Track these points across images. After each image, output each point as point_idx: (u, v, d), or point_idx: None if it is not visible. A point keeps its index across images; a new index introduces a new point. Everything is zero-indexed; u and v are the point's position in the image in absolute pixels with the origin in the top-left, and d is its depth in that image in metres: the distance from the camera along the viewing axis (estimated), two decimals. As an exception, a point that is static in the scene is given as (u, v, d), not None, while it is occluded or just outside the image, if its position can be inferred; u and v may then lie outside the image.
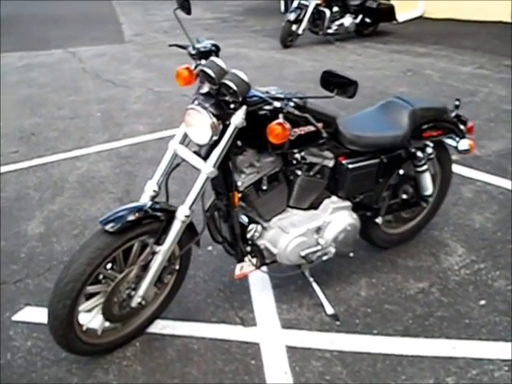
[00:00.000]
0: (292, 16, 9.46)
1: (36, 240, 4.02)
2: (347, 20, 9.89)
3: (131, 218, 2.64)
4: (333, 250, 3.17)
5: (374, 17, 10.07)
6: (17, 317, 3.25)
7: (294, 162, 3.01)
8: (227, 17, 13.61)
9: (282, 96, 2.69)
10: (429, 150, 3.40)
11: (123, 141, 5.83)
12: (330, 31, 9.77)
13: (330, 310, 3.19)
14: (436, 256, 3.67)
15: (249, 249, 3.07)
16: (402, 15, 10.23)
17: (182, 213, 2.73)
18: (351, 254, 3.27)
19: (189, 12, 2.89)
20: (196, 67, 2.88)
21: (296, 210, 3.12)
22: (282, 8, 12.80)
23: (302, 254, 3.09)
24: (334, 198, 3.22)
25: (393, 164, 3.33)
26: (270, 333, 3.07)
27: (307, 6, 9.50)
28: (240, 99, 2.60)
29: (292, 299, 3.33)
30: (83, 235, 4.05)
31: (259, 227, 3.03)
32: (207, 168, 2.70)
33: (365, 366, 2.82)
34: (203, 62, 2.82)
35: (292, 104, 2.67)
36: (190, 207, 2.74)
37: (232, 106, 2.67)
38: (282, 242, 3.02)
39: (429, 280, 3.44)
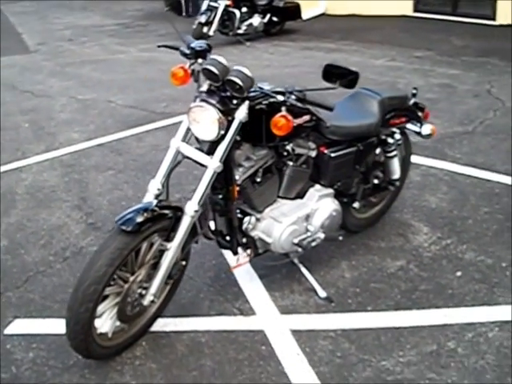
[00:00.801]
0: (203, 18, 9.58)
1: (3, 253, 3.92)
2: (256, 20, 10.14)
3: (145, 216, 2.68)
4: (322, 235, 3.35)
5: (281, 15, 10.40)
6: (9, 330, 3.20)
7: (285, 153, 3.16)
8: (129, 22, 13.51)
9: (282, 90, 2.83)
10: (397, 136, 3.66)
11: (62, 150, 5.75)
12: (239, 32, 9.97)
13: (322, 293, 3.36)
14: (404, 236, 3.94)
15: (244, 240, 3.18)
16: (305, 13, 10.62)
17: (192, 208, 2.81)
18: (340, 238, 3.47)
19: (180, 13, 2.98)
20: (190, 66, 2.95)
21: (285, 200, 3.28)
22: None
23: (295, 241, 3.24)
24: (317, 186, 3.40)
25: (367, 151, 3.56)
26: (271, 319, 3.20)
27: (217, 8, 9.66)
28: (245, 94, 2.72)
29: (282, 287, 3.47)
30: (51, 244, 4.00)
31: (253, 219, 3.16)
32: (214, 163, 2.80)
33: (370, 341, 3.01)
34: (200, 60, 2.90)
35: (293, 97, 2.81)
36: (199, 202, 2.82)
37: (235, 101, 2.78)
38: (276, 232, 3.16)
39: (404, 258, 3.69)
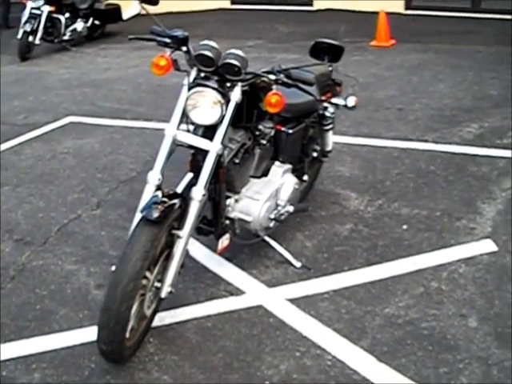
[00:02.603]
0: (27, 27, 9.15)
1: None
2: (79, 25, 9.92)
3: (165, 205, 2.72)
4: (291, 208, 3.59)
5: (103, 18, 10.29)
6: (-2, 356, 3.00)
7: (257, 133, 3.35)
8: None
9: (269, 70, 3.02)
10: (331, 110, 4.01)
11: None
12: (65, 38, 9.70)
13: (297, 263, 3.60)
14: (339, 203, 4.31)
15: (227, 222, 3.32)
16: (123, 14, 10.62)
17: (199, 193, 2.89)
18: (310, 208, 3.72)
19: (156, 3, 3.02)
20: (171, 55, 3.01)
21: (254, 179, 3.47)
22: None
23: (272, 216, 3.45)
24: (277, 163, 3.63)
25: (311, 126, 3.87)
26: (262, 294, 3.37)
27: (40, 15, 9.30)
28: (242, 76, 2.88)
29: (254, 264, 3.65)
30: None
31: (233, 200, 3.31)
32: (216, 146, 2.91)
33: (363, 295, 3.33)
34: (184, 48, 2.97)
35: (282, 75, 3.01)
36: (205, 187, 2.90)
37: (228, 84, 2.92)
38: (255, 210, 3.34)
39: (350, 222, 4.06)
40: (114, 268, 2.84)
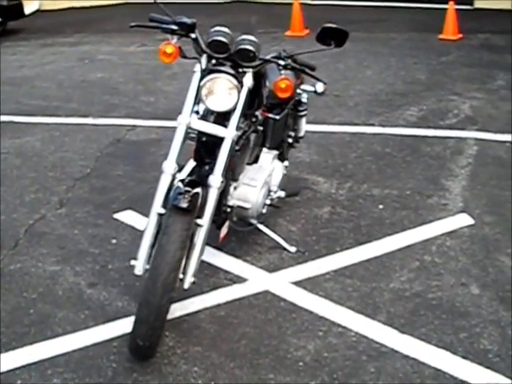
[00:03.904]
0: None
1: None
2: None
3: (191, 193, 2.73)
4: (282, 193, 3.68)
5: (5, 15, 9.86)
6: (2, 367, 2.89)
7: (253, 119, 3.40)
8: None
9: (277, 55, 3.08)
10: (305, 96, 4.12)
11: None
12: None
13: (291, 247, 3.69)
14: (310, 188, 4.44)
15: (228, 210, 3.37)
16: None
17: (218, 180, 2.91)
18: (300, 191, 3.82)
19: None
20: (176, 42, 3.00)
21: (248, 166, 3.53)
22: None
23: (267, 202, 3.53)
24: (265, 149, 3.71)
25: (291, 112, 3.97)
26: (265, 279, 3.43)
27: None
28: (257, 61, 2.93)
29: (247, 252, 3.70)
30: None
31: (232, 188, 3.36)
32: (231, 132, 2.94)
33: (363, 272, 3.48)
34: (193, 35, 2.98)
35: (290, 60, 3.09)
36: (222, 174, 2.93)
37: (240, 69, 2.96)
38: (252, 196, 3.40)
39: (327, 205, 4.20)
40: (132, 262, 2.80)
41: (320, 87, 4.00)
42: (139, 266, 2.82)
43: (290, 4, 9.18)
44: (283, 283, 3.36)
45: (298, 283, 3.37)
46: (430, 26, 8.50)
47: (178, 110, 5.93)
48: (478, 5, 9.41)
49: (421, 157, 4.76)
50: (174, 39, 2.95)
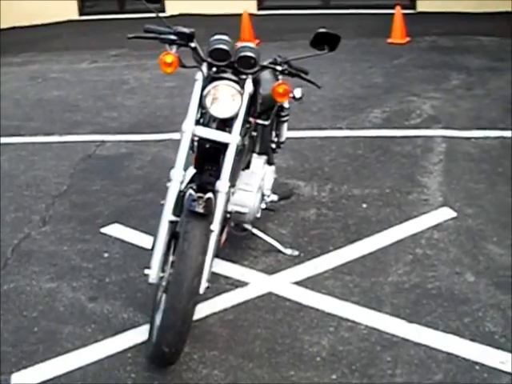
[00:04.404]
0: None
1: None
2: None
3: (207, 197, 2.80)
4: (275, 197, 3.78)
5: None
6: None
7: (248, 125, 3.50)
8: None
9: (273, 61, 3.19)
10: (286, 101, 4.24)
11: None
12: None
13: (286, 250, 3.79)
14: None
15: (227, 216, 3.45)
16: None
17: (226, 185, 2.99)
18: (292, 194, 3.93)
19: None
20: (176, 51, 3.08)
21: (241, 171, 3.63)
22: None
23: (263, 206, 3.63)
24: (255, 155, 3.81)
25: (275, 117, 4.08)
26: (266, 282, 3.51)
27: None
28: (257, 68, 3.03)
29: (242, 256, 3.78)
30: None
31: (230, 193, 3.44)
32: (235, 138, 3.03)
33: (361, 269, 3.60)
34: (193, 44, 3.06)
35: (286, 66, 3.20)
36: (230, 180, 3.02)
37: (242, 76, 3.06)
38: (249, 201, 3.49)
39: (312, 207, 4.31)
40: (146, 271, 2.84)
41: (298, 92, 4.13)
42: (153, 274, 2.85)
43: (238, 15, 9.31)
44: (284, 284, 3.45)
45: (299, 283, 3.46)
46: (378, 31, 8.77)
47: (142, 125, 6.05)
48: (420, 8, 9.76)
49: (393, 156, 4.94)
50: (173, 49, 3.01)
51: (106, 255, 3.84)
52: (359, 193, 4.40)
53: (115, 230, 4.11)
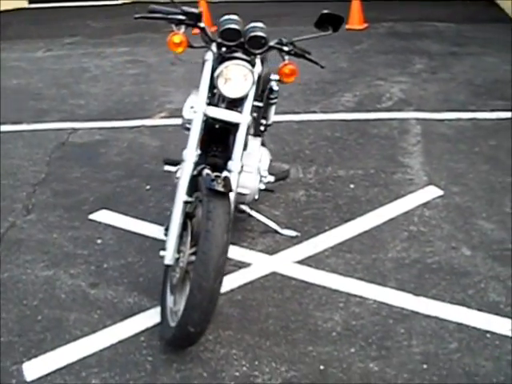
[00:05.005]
0: None
1: None
2: None
3: (220, 178, 2.81)
4: (272, 178, 3.82)
5: None
6: (33, 374, 2.86)
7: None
8: None
9: (278, 41, 3.22)
10: (274, 83, 4.27)
11: None
12: None
13: (283, 230, 3.84)
14: (277, 174, 4.59)
15: (231, 197, 3.45)
16: None
17: (237, 165, 3.02)
18: (289, 175, 3.97)
19: None
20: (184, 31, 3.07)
21: None
22: None
23: (262, 187, 3.66)
24: (250, 136, 3.82)
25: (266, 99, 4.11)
26: (269, 262, 3.54)
27: None
28: (267, 47, 3.05)
29: (239, 238, 3.78)
30: None
31: None
32: (246, 118, 3.06)
33: (360, 246, 3.67)
34: (202, 24, 3.06)
35: (292, 46, 3.23)
36: (241, 159, 3.04)
37: (251, 56, 3.08)
38: (250, 182, 3.51)
39: (300, 189, 4.36)
40: (162, 253, 2.84)
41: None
42: (169, 255, 2.85)
43: (195, 2, 9.24)
44: (287, 263, 3.49)
45: (301, 262, 3.50)
46: (335, 18, 8.84)
47: (112, 112, 5.96)
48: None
49: (371, 138, 5.03)
50: (182, 29, 2.99)
51: (99, 241, 3.79)
52: (344, 174, 4.47)
53: (104, 216, 4.06)
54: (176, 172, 3.61)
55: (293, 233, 3.76)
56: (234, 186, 2.94)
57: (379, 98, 5.91)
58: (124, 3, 10.71)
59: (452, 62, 6.88)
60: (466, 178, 4.31)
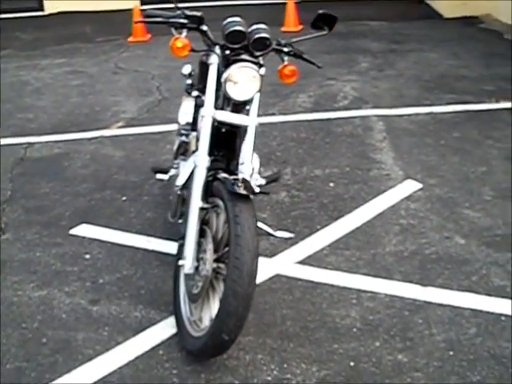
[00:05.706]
0: None
1: None
2: None
3: (241, 179, 2.80)
4: (263, 181, 3.81)
5: None
6: None
7: None
8: None
9: (278, 42, 3.22)
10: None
11: None
12: None
13: (277, 233, 3.84)
14: (254, 178, 4.59)
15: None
16: None
17: (249, 168, 3.00)
18: (280, 177, 3.97)
19: None
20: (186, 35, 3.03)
21: None
22: None
23: (257, 190, 3.65)
24: (238, 140, 3.82)
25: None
26: (270, 264, 3.52)
27: None
28: (269, 49, 3.05)
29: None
30: None
31: None
32: (254, 120, 3.04)
33: (356, 243, 3.71)
34: (205, 27, 3.02)
35: (291, 48, 3.24)
36: (251, 162, 3.03)
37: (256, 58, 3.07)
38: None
39: (282, 191, 4.34)
40: (181, 262, 2.78)
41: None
42: (189, 264, 2.79)
43: (126, 10, 9.13)
44: (289, 264, 3.49)
45: (302, 262, 3.51)
46: (271, 20, 8.84)
47: (66, 124, 5.77)
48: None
49: (338, 137, 5.10)
50: (184, 33, 2.94)
51: (87, 256, 3.67)
52: (321, 173, 4.51)
53: (86, 231, 3.94)
54: (169, 179, 3.55)
55: (287, 234, 3.74)
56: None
57: (334, 97, 5.99)
58: (50, 14, 10.40)
59: (395, 59, 7.06)
60: (440, 170, 4.43)
